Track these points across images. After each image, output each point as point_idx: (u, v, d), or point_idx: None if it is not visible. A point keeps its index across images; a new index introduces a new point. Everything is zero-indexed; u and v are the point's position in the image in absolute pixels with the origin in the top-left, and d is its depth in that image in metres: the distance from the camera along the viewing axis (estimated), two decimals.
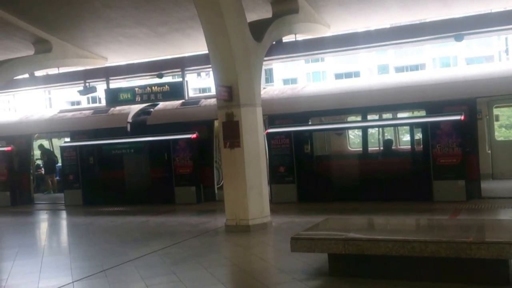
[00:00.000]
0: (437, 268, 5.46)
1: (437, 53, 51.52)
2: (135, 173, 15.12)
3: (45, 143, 20.11)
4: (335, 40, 12.82)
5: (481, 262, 5.18)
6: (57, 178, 19.06)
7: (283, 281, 6.02)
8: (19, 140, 16.57)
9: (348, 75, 48.43)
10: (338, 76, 50.46)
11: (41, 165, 20.17)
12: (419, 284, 5.39)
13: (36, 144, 19.48)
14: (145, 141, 14.63)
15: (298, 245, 6.04)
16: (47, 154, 19.29)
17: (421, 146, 11.76)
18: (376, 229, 7.29)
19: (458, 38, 11.32)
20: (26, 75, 16.05)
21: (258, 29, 9.97)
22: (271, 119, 13.10)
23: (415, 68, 46.06)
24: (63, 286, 6.45)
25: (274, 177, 12.71)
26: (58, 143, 18.43)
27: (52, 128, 16.86)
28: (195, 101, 14.85)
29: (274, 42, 11.42)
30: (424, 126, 11.51)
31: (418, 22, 12.90)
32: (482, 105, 13.01)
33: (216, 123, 12.86)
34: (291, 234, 6.28)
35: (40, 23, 13.15)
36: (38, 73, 16.35)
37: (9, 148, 16.34)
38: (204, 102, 14.56)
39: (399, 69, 48.99)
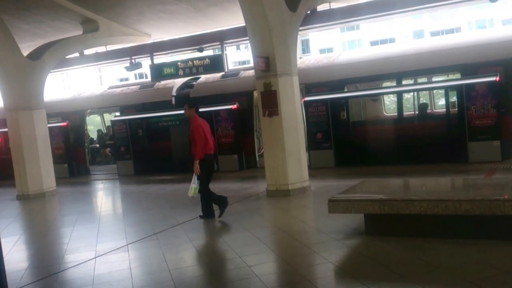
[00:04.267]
0: (471, 226, 5.44)
1: (472, 16, 48.83)
2: (181, 144, 15.38)
3: (97, 118, 20.92)
4: (370, 6, 12.70)
5: None
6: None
7: (322, 240, 6.15)
8: (73, 115, 17.29)
9: (384, 42, 46.30)
10: (374, 44, 48.24)
11: (95, 139, 21.06)
12: (453, 241, 5.41)
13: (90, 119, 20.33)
14: None
15: (335, 206, 6.10)
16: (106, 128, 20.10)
17: (456, 108, 11.64)
18: (411, 190, 7.30)
19: None
20: (77, 54, 16.59)
21: None
22: (307, 88, 13.27)
23: (450, 32, 43.49)
24: (118, 248, 6.77)
25: (312, 143, 12.96)
26: (109, 118, 19.06)
27: (103, 104, 17.53)
28: (235, 73, 15.15)
29: (308, 12, 11.39)
30: (459, 89, 11.39)
31: None
32: None
33: (255, 94, 13.07)
34: (329, 197, 6.28)
35: (87, 4, 13.38)
36: (88, 52, 16.84)
37: (64, 124, 17.02)
38: (243, 74, 14.83)
39: (435, 34, 46.24)
